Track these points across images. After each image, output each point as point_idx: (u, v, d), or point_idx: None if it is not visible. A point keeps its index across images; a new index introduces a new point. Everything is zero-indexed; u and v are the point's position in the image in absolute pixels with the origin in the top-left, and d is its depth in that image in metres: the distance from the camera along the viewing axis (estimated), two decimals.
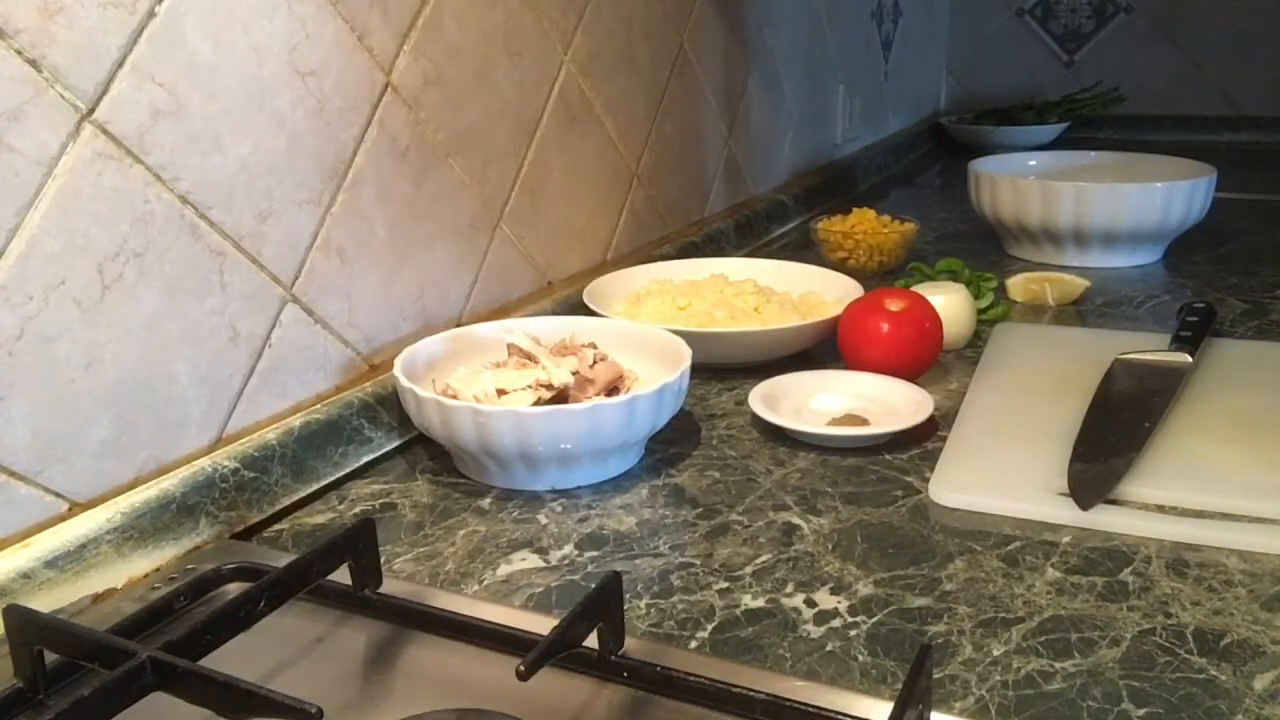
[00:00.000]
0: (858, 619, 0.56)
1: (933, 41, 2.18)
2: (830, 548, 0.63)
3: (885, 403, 0.81)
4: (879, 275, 1.20)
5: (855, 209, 1.25)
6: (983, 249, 1.29)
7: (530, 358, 0.76)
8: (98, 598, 0.58)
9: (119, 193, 0.59)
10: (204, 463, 0.65)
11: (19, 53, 0.53)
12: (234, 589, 0.58)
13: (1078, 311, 1.08)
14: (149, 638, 0.52)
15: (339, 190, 0.74)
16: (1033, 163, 1.39)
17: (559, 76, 0.96)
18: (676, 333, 0.81)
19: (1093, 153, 1.42)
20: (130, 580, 0.60)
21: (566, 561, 0.63)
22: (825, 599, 0.58)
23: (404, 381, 0.71)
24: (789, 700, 0.47)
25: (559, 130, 0.97)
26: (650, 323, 0.89)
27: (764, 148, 1.43)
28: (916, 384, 0.82)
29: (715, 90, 1.27)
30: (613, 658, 0.50)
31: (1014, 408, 0.81)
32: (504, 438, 0.68)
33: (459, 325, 0.86)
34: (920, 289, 0.94)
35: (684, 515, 0.68)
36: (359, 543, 0.55)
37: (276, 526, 0.68)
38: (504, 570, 0.62)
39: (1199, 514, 0.65)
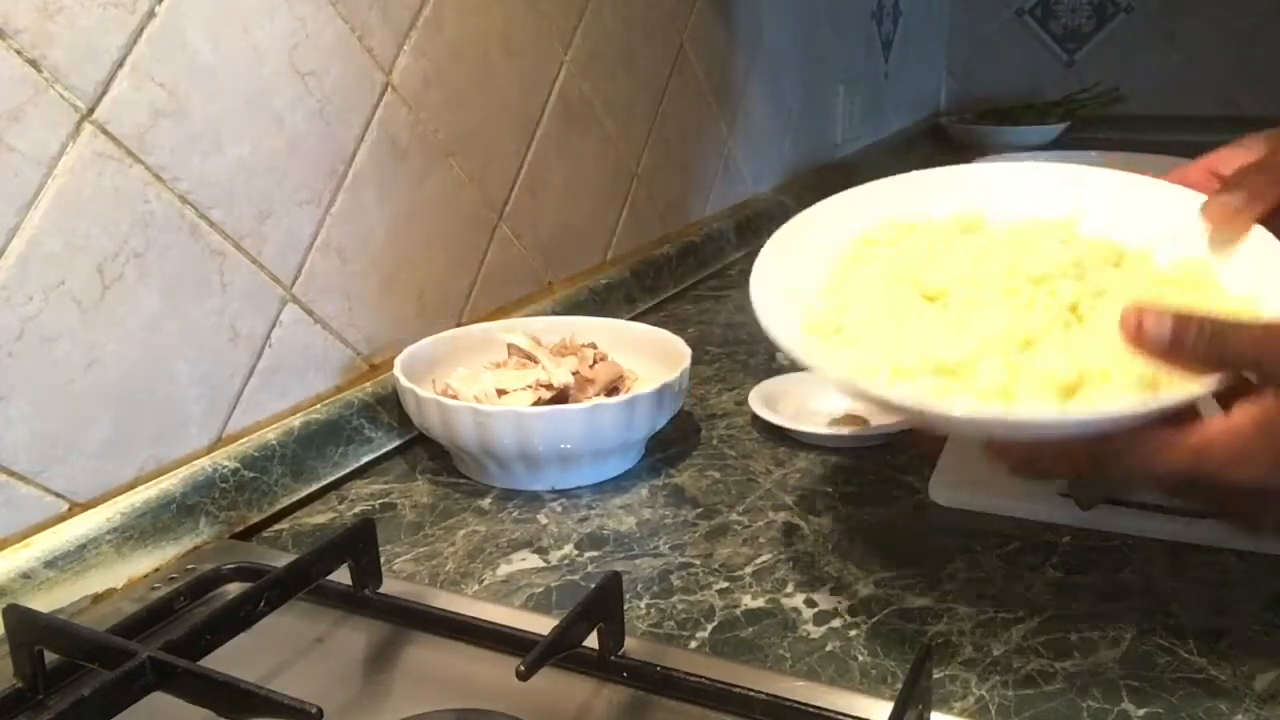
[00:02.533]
0: (858, 619, 0.56)
1: (933, 41, 2.18)
2: (830, 548, 0.63)
3: None
4: None
5: None
6: None
7: (530, 358, 0.76)
8: (98, 598, 0.58)
9: (119, 193, 0.59)
10: (204, 463, 0.65)
11: (19, 53, 0.53)
12: (234, 589, 0.58)
13: None
14: (149, 638, 0.52)
15: (339, 190, 0.74)
16: None
17: (559, 76, 0.96)
18: (944, 418, 0.48)
19: (1093, 153, 1.42)
20: (130, 580, 0.60)
21: (566, 561, 0.63)
22: (825, 599, 0.58)
23: (404, 381, 0.71)
24: (789, 700, 0.47)
25: (559, 130, 0.97)
26: (867, 352, 0.51)
27: (764, 148, 1.43)
28: None
29: (715, 90, 1.27)
30: (613, 658, 0.50)
31: None
32: (504, 438, 0.68)
33: (459, 325, 0.86)
34: None
35: (684, 515, 0.68)
36: (359, 543, 0.55)
37: (276, 526, 0.68)
38: (504, 570, 0.62)
39: (1199, 513, 0.65)
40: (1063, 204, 0.60)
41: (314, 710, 0.41)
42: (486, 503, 0.70)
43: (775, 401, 0.80)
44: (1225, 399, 0.43)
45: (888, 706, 0.43)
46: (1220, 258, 0.53)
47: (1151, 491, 0.47)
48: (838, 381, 0.49)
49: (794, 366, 0.91)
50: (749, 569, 0.61)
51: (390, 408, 0.77)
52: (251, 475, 0.67)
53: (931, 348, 0.49)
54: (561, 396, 0.72)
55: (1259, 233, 0.52)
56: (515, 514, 0.69)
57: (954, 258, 0.55)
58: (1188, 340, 0.42)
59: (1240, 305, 0.50)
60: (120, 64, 0.58)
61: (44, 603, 0.55)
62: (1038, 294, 0.51)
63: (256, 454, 0.67)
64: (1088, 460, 0.46)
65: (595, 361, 0.77)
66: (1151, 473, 0.44)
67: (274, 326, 0.70)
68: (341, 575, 0.55)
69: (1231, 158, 0.57)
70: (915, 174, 0.64)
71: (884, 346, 0.51)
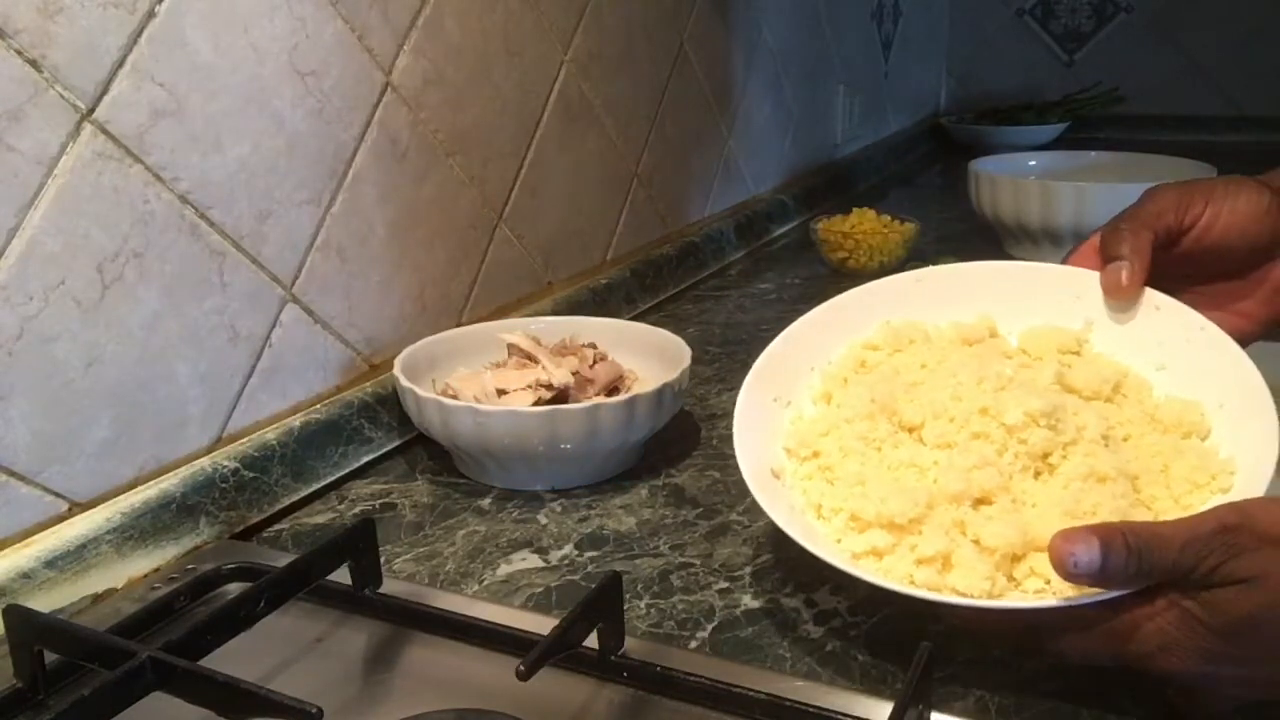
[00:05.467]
0: (858, 619, 0.56)
1: (933, 41, 2.18)
2: None
3: None
4: (879, 275, 1.19)
5: (855, 209, 1.25)
6: (983, 249, 1.29)
7: (530, 358, 0.76)
8: (98, 598, 0.58)
9: (119, 193, 0.59)
10: (204, 463, 0.65)
11: (19, 53, 0.53)
12: (234, 589, 0.58)
13: None
14: (149, 638, 0.52)
15: (339, 190, 0.74)
16: (1033, 163, 1.39)
17: (559, 76, 0.96)
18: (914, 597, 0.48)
19: (1093, 153, 1.41)
20: (130, 580, 0.60)
21: (566, 561, 0.63)
22: (825, 599, 0.58)
23: (404, 381, 0.71)
24: (789, 700, 0.47)
25: (559, 130, 0.97)
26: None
27: (764, 148, 1.43)
28: None
29: (715, 90, 1.27)
30: (613, 658, 0.50)
31: None
32: (504, 438, 0.68)
33: (459, 325, 0.86)
34: None
35: (684, 515, 0.68)
36: (359, 543, 0.56)
37: (276, 526, 0.68)
38: (504, 570, 0.62)
39: None
40: (1077, 312, 0.61)
41: (314, 710, 0.41)
42: (486, 503, 0.70)
43: None
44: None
45: (888, 706, 0.43)
46: (1219, 403, 0.55)
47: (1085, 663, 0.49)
48: (787, 531, 0.52)
49: None
50: (749, 569, 0.61)
51: (390, 408, 0.77)
52: (251, 475, 0.67)
53: (888, 500, 0.51)
54: (561, 396, 0.72)
55: (1261, 389, 0.52)
56: (515, 514, 0.69)
57: (939, 386, 0.57)
58: (1113, 568, 0.43)
59: (1218, 470, 0.52)
60: (120, 64, 0.58)
61: (44, 603, 0.55)
62: (1009, 440, 0.53)
63: (256, 454, 0.67)
64: (1025, 635, 0.48)
65: (595, 361, 0.77)
66: (1085, 654, 0.47)
67: (274, 326, 0.70)
68: (341, 575, 0.55)
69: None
70: (929, 270, 0.65)
71: (848, 485, 0.54)
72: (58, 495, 0.58)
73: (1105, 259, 0.59)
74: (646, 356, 0.80)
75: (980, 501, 0.51)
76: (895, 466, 0.54)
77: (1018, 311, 0.62)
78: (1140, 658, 0.45)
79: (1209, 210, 0.57)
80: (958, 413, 0.55)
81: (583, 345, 0.79)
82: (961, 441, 0.54)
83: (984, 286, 0.63)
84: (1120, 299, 0.59)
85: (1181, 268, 0.59)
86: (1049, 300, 0.61)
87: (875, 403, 0.57)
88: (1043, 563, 0.47)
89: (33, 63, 0.54)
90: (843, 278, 1.21)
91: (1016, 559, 0.49)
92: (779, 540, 0.64)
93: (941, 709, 0.48)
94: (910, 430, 0.56)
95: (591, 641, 0.49)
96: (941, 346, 0.61)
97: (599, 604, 0.49)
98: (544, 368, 0.74)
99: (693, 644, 0.54)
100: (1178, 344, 0.57)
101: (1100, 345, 0.60)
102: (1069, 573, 0.44)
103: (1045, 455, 0.52)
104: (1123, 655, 0.46)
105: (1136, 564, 0.43)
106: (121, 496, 0.61)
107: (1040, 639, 0.48)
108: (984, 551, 0.49)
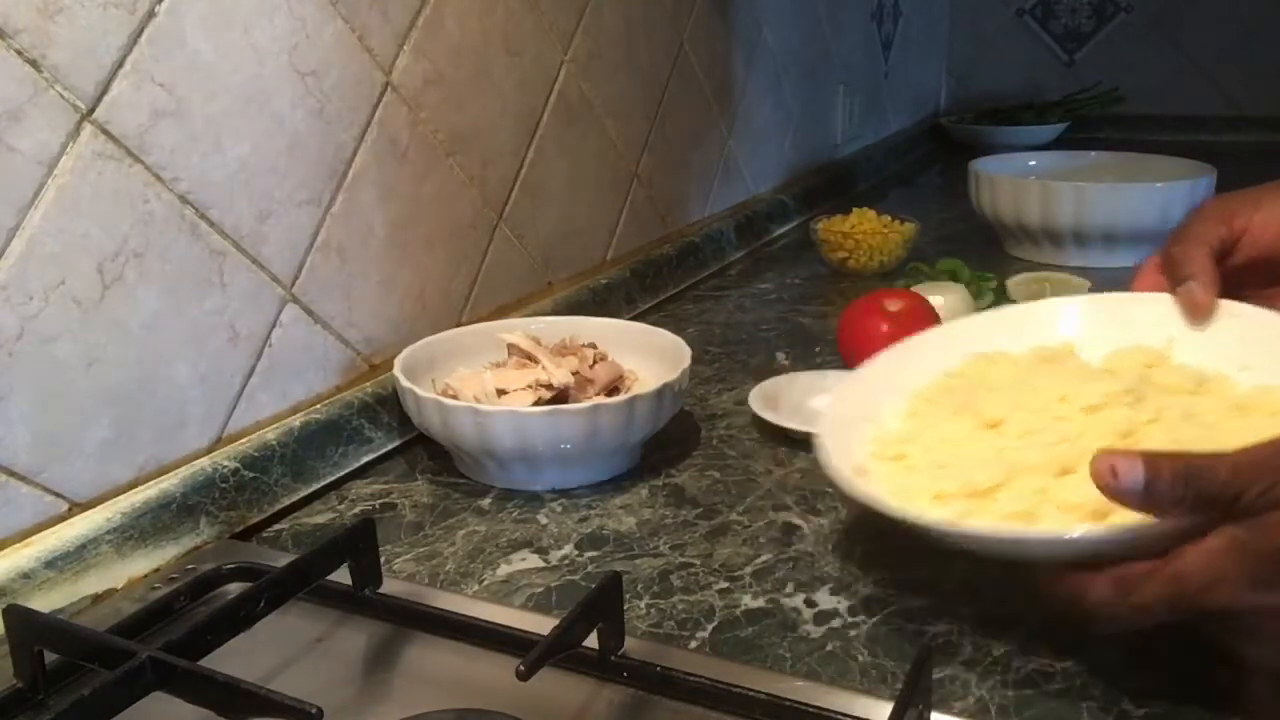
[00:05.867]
0: (858, 619, 0.56)
1: (933, 41, 2.18)
2: (830, 548, 0.63)
3: None
4: (879, 275, 1.20)
5: (855, 209, 1.25)
6: (983, 249, 1.29)
7: (530, 358, 0.76)
8: (98, 598, 0.58)
9: (119, 193, 0.59)
10: (204, 463, 0.65)
11: (19, 53, 0.53)
12: (234, 589, 0.58)
13: None
14: (149, 638, 0.52)
15: (339, 190, 0.74)
16: (1033, 163, 1.39)
17: (559, 76, 0.96)
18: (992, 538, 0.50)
19: (1093, 153, 1.42)
20: (130, 580, 0.60)
21: (566, 561, 0.63)
22: (825, 599, 0.58)
23: (404, 381, 0.71)
24: (789, 700, 0.47)
25: (559, 130, 0.97)
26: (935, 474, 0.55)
27: (764, 148, 1.43)
28: None
29: (715, 90, 1.27)
30: (613, 658, 0.50)
31: None
32: (504, 438, 0.68)
33: (459, 325, 0.86)
34: (920, 289, 0.94)
35: (684, 515, 0.68)
36: (359, 543, 0.56)
37: (276, 526, 0.68)
38: (504, 570, 0.62)
39: None
40: (1157, 333, 0.62)
41: (314, 710, 0.41)
42: (486, 503, 0.70)
43: (775, 401, 0.80)
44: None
45: (888, 706, 0.43)
46: None
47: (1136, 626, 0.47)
48: (858, 500, 0.54)
49: (794, 366, 0.91)
50: (749, 569, 0.61)
51: (390, 408, 0.77)
52: (251, 475, 0.67)
53: (970, 473, 0.53)
54: (561, 396, 0.72)
55: None
56: (515, 514, 0.69)
57: (1020, 388, 0.59)
58: (1159, 486, 0.43)
59: None
60: (120, 64, 0.58)
61: (44, 603, 0.55)
62: (1090, 421, 0.54)
63: (256, 454, 0.67)
64: (1073, 591, 0.47)
65: (595, 361, 0.77)
66: (1134, 602, 0.45)
67: (274, 326, 0.70)
68: (341, 575, 0.55)
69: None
70: (1019, 307, 0.70)
71: (933, 472, 0.56)
72: (58, 495, 0.58)
73: (1174, 282, 0.60)
74: (646, 356, 0.80)
75: (1063, 472, 0.51)
76: (976, 455, 0.56)
77: (1100, 340, 0.64)
78: (1189, 597, 0.43)
79: (1258, 217, 0.59)
80: (1038, 404, 0.56)
81: (583, 345, 0.79)
82: (1044, 425, 0.55)
83: (1065, 320, 0.66)
84: (1199, 315, 0.60)
85: (1239, 276, 0.61)
86: (1130, 325, 0.63)
87: (959, 403, 0.59)
88: (1125, 519, 0.46)
89: (33, 63, 0.54)
90: (843, 278, 1.21)
91: (1101, 517, 0.48)
92: (779, 540, 0.64)
93: (941, 709, 0.48)
94: (992, 426, 0.58)
95: (591, 641, 0.49)
96: (1025, 365, 0.64)
97: (599, 604, 0.49)
98: (544, 368, 0.74)
99: (693, 644, 0.54)
100: (1259, 343, 0.58)
101: (1182, 358, 0.61)
102: (1109, 485, 0.43)
103: (1127, 434, 0.53)
104: (1174, 598, 0.44)
105: (1183, 487, 0.42)
106: (121, 496, 0.61)
107: (1088, 593, 0.46)
108: (1068, 509, 0.49)
